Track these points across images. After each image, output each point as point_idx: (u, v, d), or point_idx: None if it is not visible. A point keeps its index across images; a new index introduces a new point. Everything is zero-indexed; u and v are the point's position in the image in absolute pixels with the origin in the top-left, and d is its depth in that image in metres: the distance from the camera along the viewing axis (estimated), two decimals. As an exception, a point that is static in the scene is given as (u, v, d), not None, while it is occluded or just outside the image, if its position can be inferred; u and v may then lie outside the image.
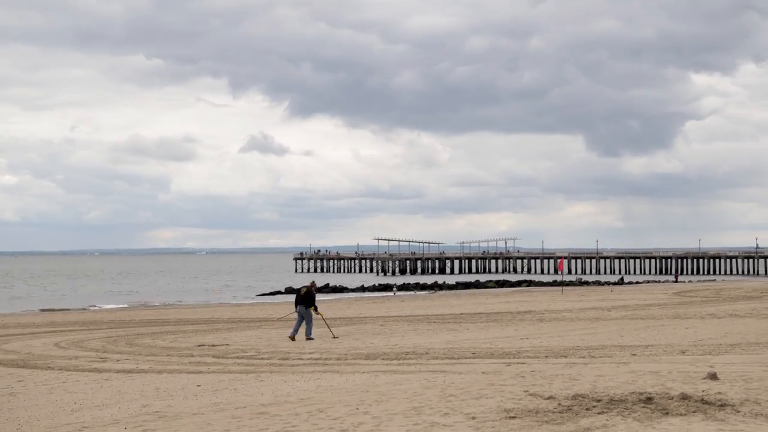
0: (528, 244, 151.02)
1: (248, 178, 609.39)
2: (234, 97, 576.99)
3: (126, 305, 60.82)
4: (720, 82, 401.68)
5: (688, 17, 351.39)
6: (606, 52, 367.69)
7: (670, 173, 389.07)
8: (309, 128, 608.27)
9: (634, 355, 19.79)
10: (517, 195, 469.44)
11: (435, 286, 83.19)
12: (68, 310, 54.71)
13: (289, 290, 79.96)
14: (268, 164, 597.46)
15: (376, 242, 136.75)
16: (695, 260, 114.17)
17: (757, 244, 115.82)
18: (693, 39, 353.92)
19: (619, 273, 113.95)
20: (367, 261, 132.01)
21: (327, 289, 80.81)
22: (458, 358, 20.08)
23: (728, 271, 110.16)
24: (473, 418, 11.80)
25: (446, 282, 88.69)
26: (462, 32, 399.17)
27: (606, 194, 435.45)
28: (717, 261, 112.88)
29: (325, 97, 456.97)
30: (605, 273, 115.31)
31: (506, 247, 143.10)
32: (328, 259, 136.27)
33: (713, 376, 14.70)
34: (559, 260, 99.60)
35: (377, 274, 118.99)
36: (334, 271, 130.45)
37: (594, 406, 12.23)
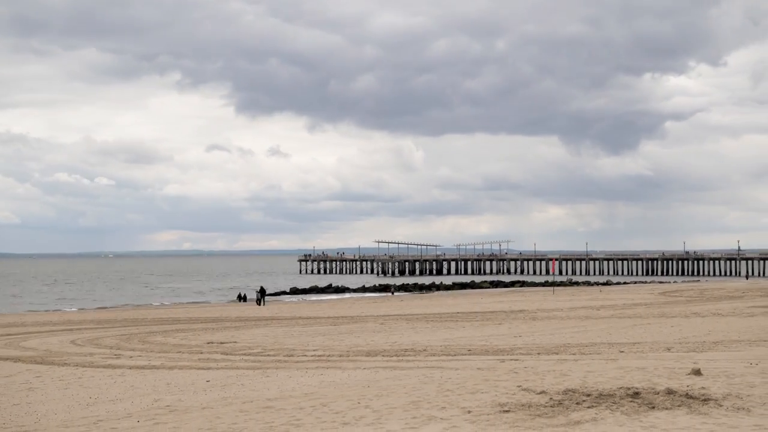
0: (509, 246, 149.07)
1: (223, 180, 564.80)
2: (194, 95, 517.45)
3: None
4: (689, 84, 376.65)
5: (652, 18, 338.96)
6: (575, 52, 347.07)
7: (640, 176, 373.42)
8: (274, 128, 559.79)
9: (622, 351, 19.78)
10: (495, 198, 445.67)
11: (432, 287, 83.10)
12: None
13: (294, 290, 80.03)
14: (240, 166, 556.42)
15: (375, 245, 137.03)
16: (680, 262, 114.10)
17: (739, 247, 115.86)
18: (660, 40, 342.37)
19: (608, 274, 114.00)
20: (368, 262, 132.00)
21: (330, 289, 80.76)
22: (455, 355, 20.07)
23: (711, 273, 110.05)
24: (469, 411, 11.79)
25: (443, 282, 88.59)
26: (430, 32, 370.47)
27: (579, 197, 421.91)
28: (701, 263, 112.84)
29: (290, 96, 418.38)
30: (594, 274, 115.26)
31: (500, 249, 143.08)
32: (332, 261, 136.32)
33: (697, 372, 14.69)
34: (551, 262, 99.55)
35: (378, 275, 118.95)
36: (336, 272, 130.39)
37: (584, 401, 12.22)
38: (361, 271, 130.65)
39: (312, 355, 21.07)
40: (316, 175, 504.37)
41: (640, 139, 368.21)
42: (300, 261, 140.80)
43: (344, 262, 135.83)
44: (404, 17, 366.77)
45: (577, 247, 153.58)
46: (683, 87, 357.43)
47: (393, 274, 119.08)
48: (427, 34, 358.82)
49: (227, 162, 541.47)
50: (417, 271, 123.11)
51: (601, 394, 12.65)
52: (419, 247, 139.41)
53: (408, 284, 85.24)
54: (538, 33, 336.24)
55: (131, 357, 21.93)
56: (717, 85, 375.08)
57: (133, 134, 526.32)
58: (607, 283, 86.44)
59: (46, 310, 55.76)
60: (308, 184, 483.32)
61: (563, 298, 53.13)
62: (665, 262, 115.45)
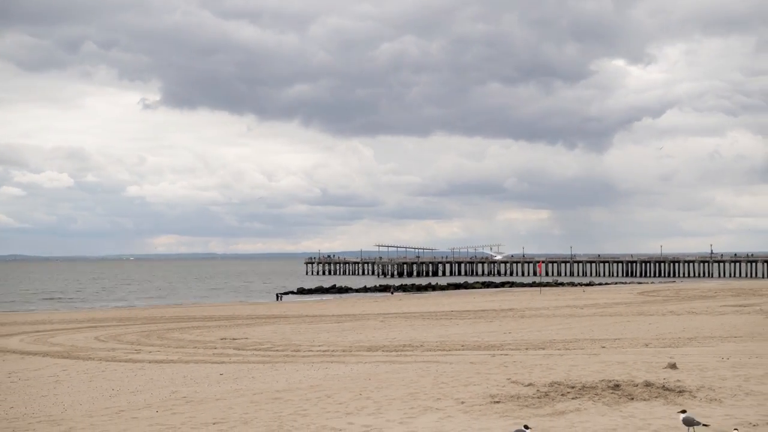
0: (499, 249, 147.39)
1: (192, 184, 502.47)
2: (131, 92, 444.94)
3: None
4: (643, 84, 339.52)
5: (601, 15, 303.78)
6: (526, 52, 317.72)
7: (595, 179, 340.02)
8: (221, 129, 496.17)
9: (604, 347, 19.77)
10: (463, 201, 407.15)
11: (429, 287, 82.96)
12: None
13: (300, 290, 79.93)
14: (205, 170, 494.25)
15: (376, 248, 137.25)
16: (657, 264, 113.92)
17: (712, 250, 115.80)
18: (612, 37, 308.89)
19: (590, 275, 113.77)
20: (369, 265, 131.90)
21: (334, 289, 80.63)
22: (449, 350, 20.05)
23: (686, 274, 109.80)
24: (462, 402, 11.79)
25: (438, 283, 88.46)
26: (376, 32, 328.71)
27: (538, 201, 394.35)
28: (676, 265, 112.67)
29: (235, 95, 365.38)
30: (578, 275, 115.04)
31: (491, 252, 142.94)
32: (335, 263, 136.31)
33: (673, 366, 14.70)
34: (537, 264, 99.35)
35: (378, 277, 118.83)
36: (340, 274, 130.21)
37: (568, 392, 12.22)
38: (363, 273, 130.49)
39: (317, 351, 21.06)
40: (284, 178, 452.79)
41: (593, 140, 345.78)
42: (306, 263, 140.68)
43: (347, 265, 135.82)
44: (351, 17, 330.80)
45: (543, 250, 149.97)
46: (638, 86, 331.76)
47: (392, 275, 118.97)
48: (375, 35, 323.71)
49: (192, 167, 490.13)
50: (414, 273, 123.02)
51: (584, 387, 12.65)
52: (416, 250, 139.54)
53: (406, 285, 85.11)
54: (484, 33, 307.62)
55: (150, 352, 21.91)
56: (668, 85, 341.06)
57: (79, 139, 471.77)
58: (590, 284, 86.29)
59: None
60: (279, 188, 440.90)
61: (549, 297, 53.07)
62: (644, 264, 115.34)
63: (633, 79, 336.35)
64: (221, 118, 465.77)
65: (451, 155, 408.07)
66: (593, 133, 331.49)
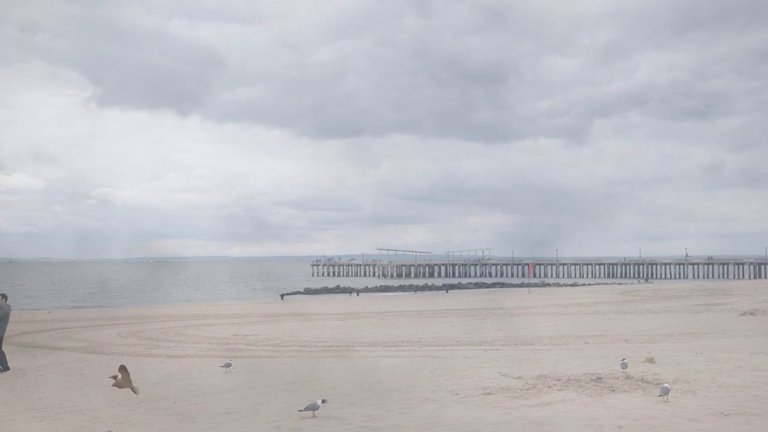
0: (490, 252, 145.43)
1: (170, 187, 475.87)
2: (75, 89, 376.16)
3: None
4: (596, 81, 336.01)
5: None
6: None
7: (552, 182, 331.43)
8: (173, 131, 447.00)
9: (587, 343, 19.76)
10: (431, 206, 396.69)
11: (426, 287, 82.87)
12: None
13: (307, 290, 79.83)
14: (178, 173, 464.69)
15: (376, 251, 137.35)
16: (636, 266, 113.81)
17: (687, 253, 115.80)
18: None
19: (575, 277, 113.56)
20: (371, 267, 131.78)
21: (337, 289, 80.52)
22: (444, 345, 20.04)
23: (663, 275, 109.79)
24: (457, 394, 11.78)
25: (435, 284, 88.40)
26: (322, 34, 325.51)
27: (502, 205, 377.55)
28: (654, 267, 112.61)
29: (187, 94, 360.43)
30: (563, 277, 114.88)
31: (483, 256, 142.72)
32: (339, 265, 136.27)
33: (651, 360, 14.70)
34: (528, 266, 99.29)
35: (379, 278, 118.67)
36: (343, 275, 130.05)
37: (554, 384, 12.22)
38: (365, 274, 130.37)
39: (323, 346, 21.04)
40: (256, 182, 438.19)
41: (555, 142, 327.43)
42: (312, 265, 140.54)
43: (350, 266, 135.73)
44: (298, 17, 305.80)
45: (510, 253, 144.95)
46: (597, 83, 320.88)
47: (392, 276, 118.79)
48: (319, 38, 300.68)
49: (158, 171, 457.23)
50: (412, 274, 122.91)
51: (569, 379, 12.65)
52: (414, 254, 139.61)
53: (404, 285, 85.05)
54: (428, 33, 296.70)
55: (168, 347, 21.89)
56: (629, 83, 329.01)
57: (35, 139, 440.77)
58: (574, 285, 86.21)
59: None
60: (255, 191, 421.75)
61: (537, 297, 53.02)
62: (625, 266, 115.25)
63: (592, 76, 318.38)
64: (172, 120, 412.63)
65: (419, 159, 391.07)
66: (553, 133, 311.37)
